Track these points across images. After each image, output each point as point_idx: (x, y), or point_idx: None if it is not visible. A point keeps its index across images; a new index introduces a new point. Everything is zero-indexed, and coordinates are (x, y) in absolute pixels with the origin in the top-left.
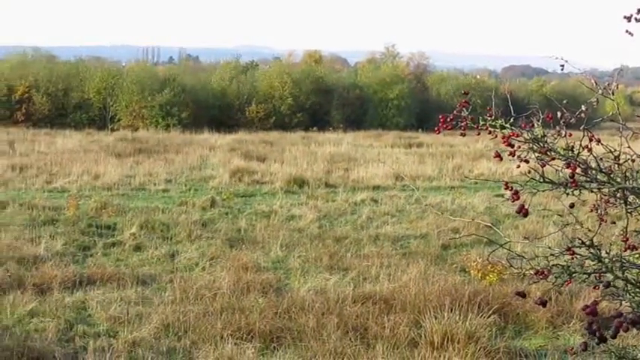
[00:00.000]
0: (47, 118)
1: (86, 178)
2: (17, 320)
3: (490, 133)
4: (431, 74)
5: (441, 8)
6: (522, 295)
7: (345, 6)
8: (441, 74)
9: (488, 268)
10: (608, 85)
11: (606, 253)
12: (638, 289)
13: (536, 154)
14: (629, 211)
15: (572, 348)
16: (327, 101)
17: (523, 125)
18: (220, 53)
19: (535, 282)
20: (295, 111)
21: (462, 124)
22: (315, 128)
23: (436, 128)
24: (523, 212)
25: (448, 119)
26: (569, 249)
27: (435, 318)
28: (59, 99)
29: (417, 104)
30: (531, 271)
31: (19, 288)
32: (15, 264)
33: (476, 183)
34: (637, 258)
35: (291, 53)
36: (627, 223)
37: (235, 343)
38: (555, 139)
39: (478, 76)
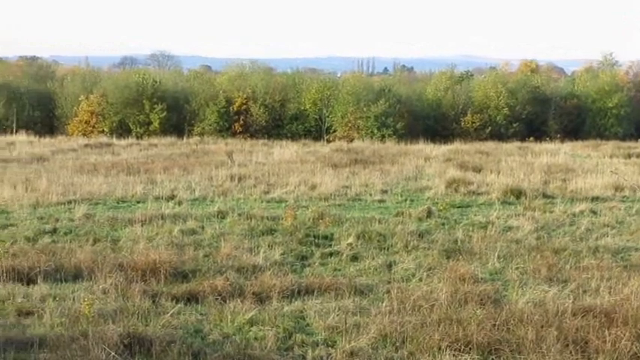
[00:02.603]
0: (264, 129)
1: (303, 189)
2: (237, 328)
3: None
4: None
5: None
6: None
7: (562, 15)
8: None
9: None
10: None
11: None
12: None
13: None
14: None
15: None
16: (544, 111)
17: None
18: (435, 63)
19: None
20: (511, 121)
21: None
22: (531, 138)
23: None
24: None
25: None
26: None
27: None
28: (276, 110)
29: (636, 113)
30: None
31: (239, 296)
32: (235, 273)
33: None
34: None
35: (507, 63)
36: None
37: (453, 355)
38: None
39: None
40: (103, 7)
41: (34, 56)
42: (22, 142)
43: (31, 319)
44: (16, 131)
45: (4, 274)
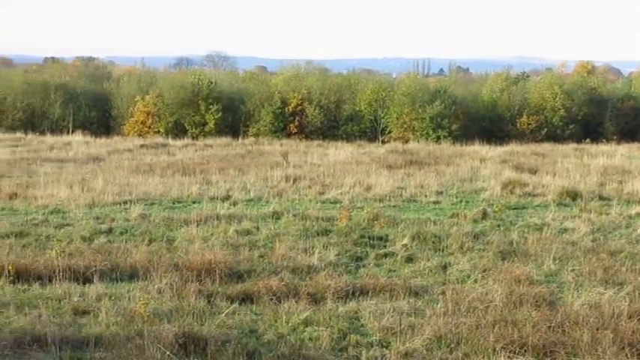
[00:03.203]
0: (319, 130)
1: (358, 190)
2: (292, 329)
3: None
4: None
5: None
6: None
7: (618, 17)
8: None
9: None
10: None
11: None
12: None
13: None
14: None
15: None
16: (600, 112)
17: None
18: (491, 64)
19: None
20: (567, 122)
21: None
22: (587, 140)
23: None
24: None
25: None
26: None
27: None
28: (331, 111)
29: None
30: None
31: (293, 297)
32: (289, 273)
33: None
34: None
35: (563, 64)
36: None
37: (508, 357)
38: None
39: None
40: (159, 8)
41: (91, 57)
42: (79, 142)
43: (87, 318)
44: (73, 131)
45: (61, 274)
